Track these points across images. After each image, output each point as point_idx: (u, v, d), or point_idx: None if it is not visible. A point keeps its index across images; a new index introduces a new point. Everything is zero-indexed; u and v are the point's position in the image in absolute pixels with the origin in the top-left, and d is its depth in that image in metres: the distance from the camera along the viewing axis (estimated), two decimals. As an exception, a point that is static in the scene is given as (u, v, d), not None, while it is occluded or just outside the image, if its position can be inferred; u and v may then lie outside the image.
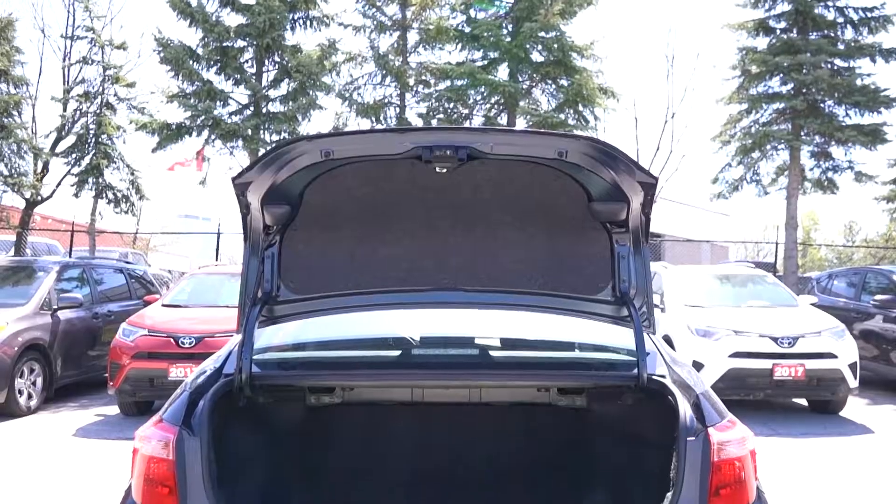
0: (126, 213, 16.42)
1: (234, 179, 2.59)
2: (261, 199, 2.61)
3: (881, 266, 12.51)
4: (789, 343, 7.82)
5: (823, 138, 16.91)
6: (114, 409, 8.11)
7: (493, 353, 3.19)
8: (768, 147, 17.29)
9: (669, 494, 2.22)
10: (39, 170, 15.32)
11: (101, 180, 15.67)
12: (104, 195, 15.87)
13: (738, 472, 2.24)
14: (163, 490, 2.21)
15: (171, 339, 7.62)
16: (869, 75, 16.55)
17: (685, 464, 2.21)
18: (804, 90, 16.51)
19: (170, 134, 15.56)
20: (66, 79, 16.01)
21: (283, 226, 2.77)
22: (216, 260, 16.93)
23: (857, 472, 6.01)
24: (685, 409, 2.33)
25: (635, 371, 2.58)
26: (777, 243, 17.55)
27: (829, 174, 17.40)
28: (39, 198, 15.38)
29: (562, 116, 16.82)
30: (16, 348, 7.86)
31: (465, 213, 2.81)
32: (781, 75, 16.78)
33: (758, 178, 17.94)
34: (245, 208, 2.71)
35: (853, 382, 7.92)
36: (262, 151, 14.38)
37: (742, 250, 35.81)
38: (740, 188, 18.02)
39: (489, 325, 3.31)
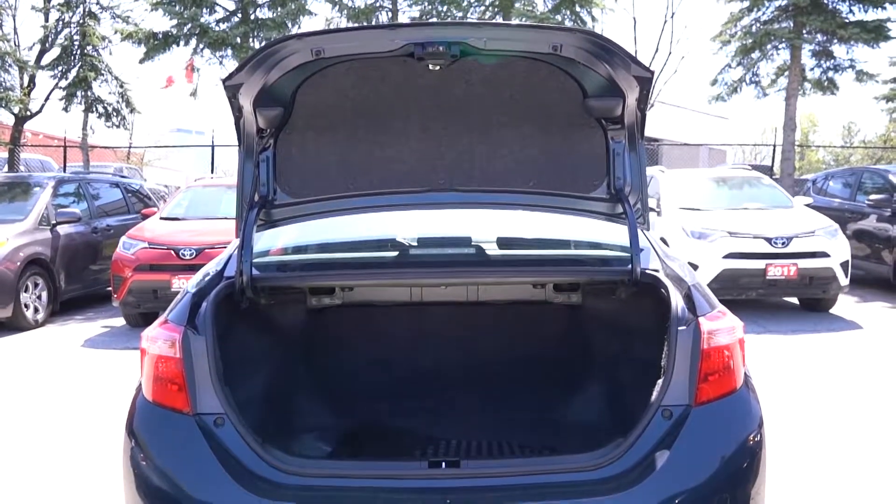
0: (118, 127, 16.26)
1: (224, 81, 2.55)
2: (253, 101, 2.59)
3: (878, 166, 12.45)
4: (783, 243, 7.91)
5: (825, 36, 16.51)
6: (119, 321, 8.28)
7: (489, 251, 3.23)
8: (769, 47, 16.91)
9: (660, 381, 2.30)
10: (26, 84, 15.02)
11: (89, 93, 15.40)
12: (94, 109, 15.64)
13: (727, 360, 2.32)
14: (172, 387, 2.29)
15: (172, 252, 7.69)
16: (876, -33, 16.00)
17: (676, 352, 2.28)
18: (808, -15, 16.00)
19: (157, 44, 15.15)
20: (46, -14, 15.47)
21: (276, 128, 2.75)
22: (211, 173, 16.84)
23: (845, 366, 6.22)
24: (677, 301, 2.38)
25: (629, 266, 2.63)
26: (774, 146, 17.45)
27: (830, 74, 17.11)
28: (28, 113, 15.16)
29: (558, 17, 16.37)
30: (18, 263, 7.94)
31: (460, 113, 2.79)
32: (785, -31, 16.23)
33: (757, 79, 17.65)
34: (237, 111, 2.68)
35: (844, 280, 8.07)
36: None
37: (740, 154, 35.60)
38: (739, 90, 17.75)
39: (485, 225, 3.34)
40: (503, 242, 3.33)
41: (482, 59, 2.56)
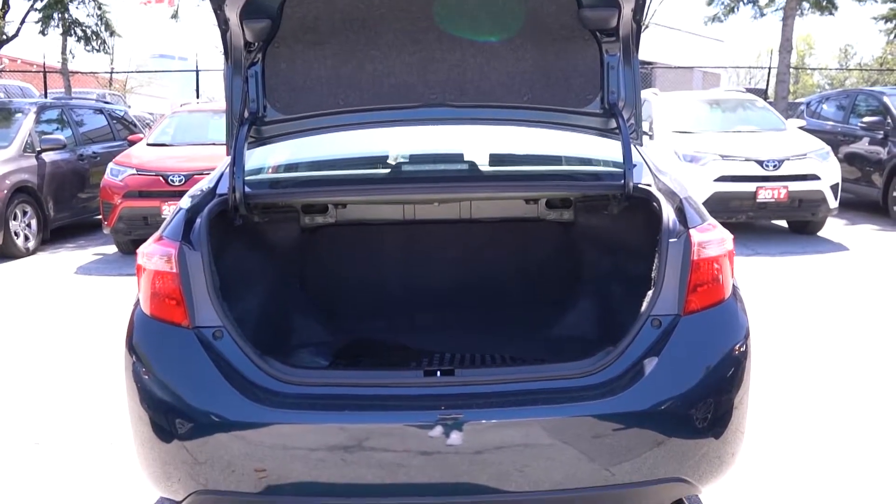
0: (98, 51, 15.82)
1: (210, -8, 2.48)
2: (239, 12, 2.52)
3: (872, 88, 12.34)
4: (774, 166, 7.92)
5: (827, -49, 16.13)
6: (111, 249, 8.28)
7: (481, 166, 3.22)
8: (768, -36, 16.51)
9: (650, 293, 2.33)
10: (0, 6, 14.51)
11: (66, 16, 14.91)
12: (72, 32, 15.19)
13: (716, 272, 2.34)
14: (170, 302, 2.30)
15: (161, 178, 7.64)
16: None
17: (666, 263, 2.30)
18: None
19: (134, -37, 14.59)
20: None
21: (264, 42, 2.69)
22: (197, 98, 16.51)
23: (829, 286, 6.33)
24: (668, 213, 2.40)
25: (622, 181, 2.62)
26: (770, 68, 17.23)
27: (829, -8, 16.78)
28: (4, 37, 14.70)
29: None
30: (5, 191, 7.86)
31: (451, 25, 2.72)
32: None
33: (755, -3, 17.30)
34: (224, 24, 2.61)
35: (833, 203, 8.12)
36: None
37: (734, 77, 35.15)
38: (736, 10, 17.44)
39: (477, 141, 3.31)
40: (496, 158, 3.31)
41: None
